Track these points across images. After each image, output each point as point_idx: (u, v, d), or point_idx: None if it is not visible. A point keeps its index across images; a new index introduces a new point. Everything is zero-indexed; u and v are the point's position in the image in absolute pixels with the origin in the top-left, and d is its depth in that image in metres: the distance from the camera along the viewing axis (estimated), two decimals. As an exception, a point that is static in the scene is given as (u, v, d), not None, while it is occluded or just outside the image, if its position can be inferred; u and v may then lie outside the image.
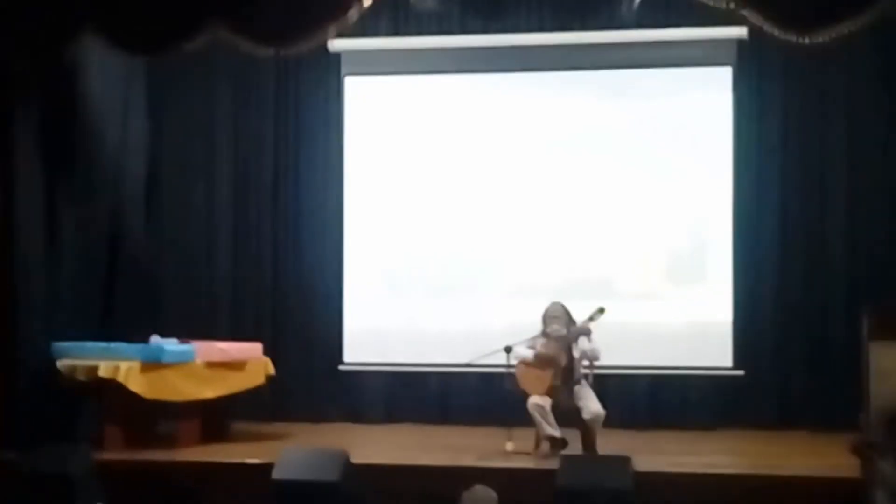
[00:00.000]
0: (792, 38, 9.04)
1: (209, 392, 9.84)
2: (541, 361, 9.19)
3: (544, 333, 9.30)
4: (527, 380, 9.20)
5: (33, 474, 7.99)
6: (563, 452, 8.78)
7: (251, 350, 10.39)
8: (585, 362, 9.28)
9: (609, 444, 9.03)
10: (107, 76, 10.71)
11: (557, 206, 11.34)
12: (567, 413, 9.09)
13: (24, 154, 9.82)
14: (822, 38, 8.91)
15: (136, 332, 9.91)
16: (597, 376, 9.43)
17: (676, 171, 11.23)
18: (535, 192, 11.38)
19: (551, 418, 9.02)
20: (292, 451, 8.68)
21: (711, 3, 9.19)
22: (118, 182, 10.92)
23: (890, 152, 10.86)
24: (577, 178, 11.33)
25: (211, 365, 9.90)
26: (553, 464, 8.26)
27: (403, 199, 11.70)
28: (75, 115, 10.32)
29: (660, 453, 9.33)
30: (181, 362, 9.69)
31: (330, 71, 11.84)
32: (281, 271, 11.84)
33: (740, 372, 10.96)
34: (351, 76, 11.85)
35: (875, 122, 10.90)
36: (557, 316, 9.31)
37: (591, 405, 9.04)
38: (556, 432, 9.01)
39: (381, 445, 10.18)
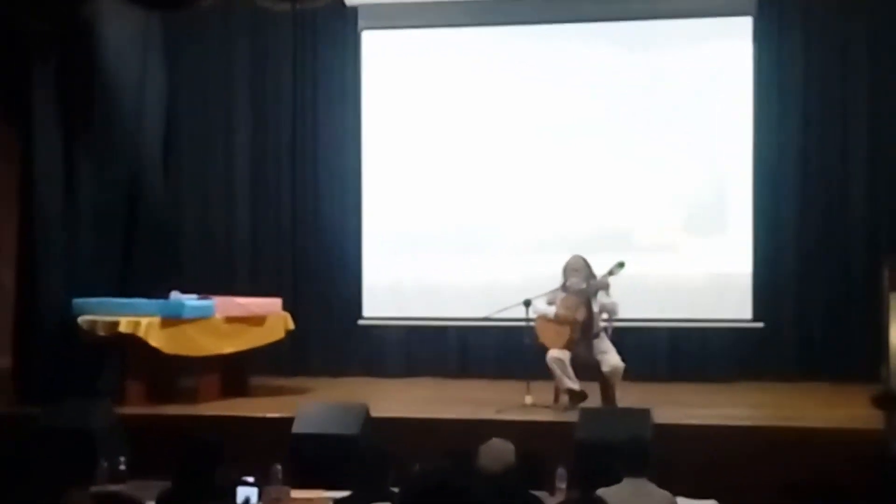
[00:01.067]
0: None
1: (229, 347, 9.88)
2: (560, 315, 9.18)
3: (564, 287, 9.28)
4: (546, 333, 9.20)
5: (56, 429, 8.05)
6: (583, 405, 8.79)
7: (271, 305, 10.41)
8: (605, 315, 9.26)
9: (628, 396, 9.04)
10: (124, 35, 10.68)
11: (576, 158, 11.29)
12: (586, 366, 9.09)
13: (43, 114, 9.83)
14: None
15: (156, 289, 9.94)
16: (616, 329, 9.42)
17: (696, 122, 11.16)
18: (554, 145, 11.33)
19: (570, 371, 9.02)
20: (312, 405, 8.73)
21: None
22: (137, 140, 10.91)
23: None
24: (596, 130, 11.28)
25: (230, 320, 9.93)
26: (572, 417, 8.29)
27: (421, 153, 11.67)
28: (93, 74, 10.30)
29: (679, 405, 9.33)
30: (201, 317, 9.72)
31: (347, 25, 11.80)
32: (300, 227, 11.85)
33: (760, 324, 10.94)
34: (368, 30, 11.81)
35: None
36: (577, 269, 9.29)
37: (610, 358, 9.04)
38: (575, 385, 9.01)
39: (400, 399, 10.22)
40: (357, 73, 11.77)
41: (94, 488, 6.69)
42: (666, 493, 6.14)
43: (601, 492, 6.13)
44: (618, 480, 6.15)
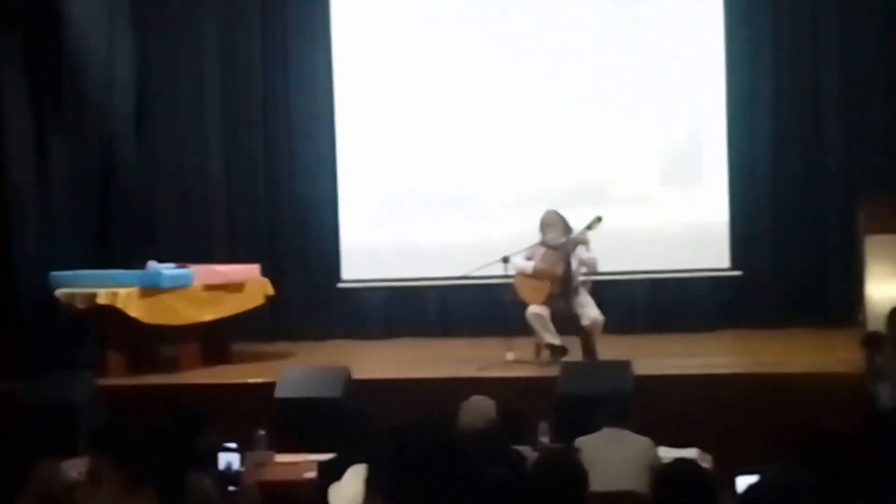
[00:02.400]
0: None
1: (208, 314, 9.86)
2: (538, 271, 9.18)
3: (542, 242, 9.28)
4: (525, 289, 9.21)
5: (37, 403, 8.04)
6: (564, 360, 8.83)
7: (249, 271, 10.39)
8: (583, 270, 9.27)
9: (609, 349, 9.07)
10: (91, 5, 10.57)
11: (551, 113, 11.24)
12: (566, 321, 9.11)
13: (11, 85, 9.76)
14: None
15: (133, 259, 9.91)
16: (595, 283, 9.44)
17: (668, 73, 11.12)
18: (528, 100, 11.27)
19: (551, 326, 9.04)
20: (293, 369, 8.74)
21: None
22: (108, 111, 10.83)
23: (883, 45, 10.75)
24: (570, 83, 11.22)
25: (209, 288, 9.91)
26: (554, 371, 8.33)
27: (396, 113, 11.59)
28: (60, 46, 10.21)
29: (660, 356, 9.39)
30: (179, 286, 9.70)
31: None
32: (275, 192, 11.79)
33: (738, 272, 10.97)
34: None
35: (867, 14, 10.78)
36: (553, 223, 9.28)
37: (589, 312, 9.06)
38: (555, 340, 9.04)
39: (381, 361, 10.24)
40: (328, 33, 11.68)
41: (76, 461, 6.70)
42: (645, 439, 6.19)
43: (580, 440, 6.18)
44: (598, 428, 6.20)
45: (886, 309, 7.96)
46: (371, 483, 2.74)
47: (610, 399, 6.50)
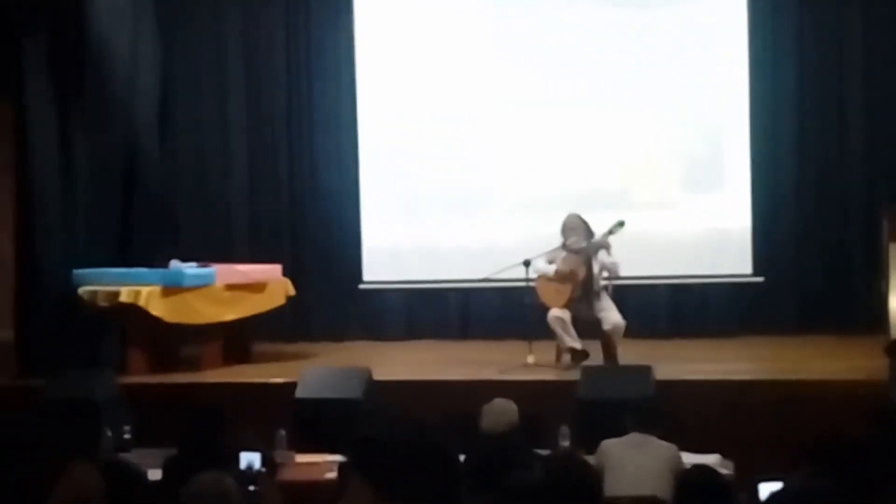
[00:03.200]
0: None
1: (230, 314, 9.89)
2: (560, 275, 9.18)
3: (563, 246, 9.28)
4: (546, 293, 9.21)
5: (59, 400, 8.05)
6: (585, 364, 8.81)
7: (271, 271, 10.41)
8: (605, 274, 9.26)
9: (630, 354, 9.06)
10: (115, 2, 10.60)
11: (572, 115, 11.23)
12: (587, 325, 9.11)
13: (36, 85, 9.79)
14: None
15: (155, 258, 9.95)
16: (616, 287, 9.43)
17: (691, 77, 11.09)
18: (550, 102, 11.26)
19: (572, 330, 9.04)
20: (314, 370, 8.76)
21: None
22: (131, 109, 10.85)
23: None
24: (591, 86, 11.20)
25: (231, 287, 9.94)
26: (574, 375, 8.32)
27: (418, 114, 11.59)
28: (84, 43, 10.23)
29: (681, 361, 9.37)
30: (202, 285, 9.74)
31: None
32: (298, 192, 11.82)
33: (760, 278, 10.93)
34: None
35: (892, 17, 10.73)
36: (575, 227, 9.29)
37: (611, 316, 9.05)
38: (576, 344, 9.03)
39: (402, 362, 10.25)
40: (351, 34, 11.69)
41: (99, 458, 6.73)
42: (670, 445, 6.19)
43: (605, 443, 6.19)
44: (621, 435, 6.20)
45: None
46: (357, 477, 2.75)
47: (638, 404, 6.50)
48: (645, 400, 6.64)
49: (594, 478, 3.46)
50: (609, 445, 6.19)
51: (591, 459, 6.10)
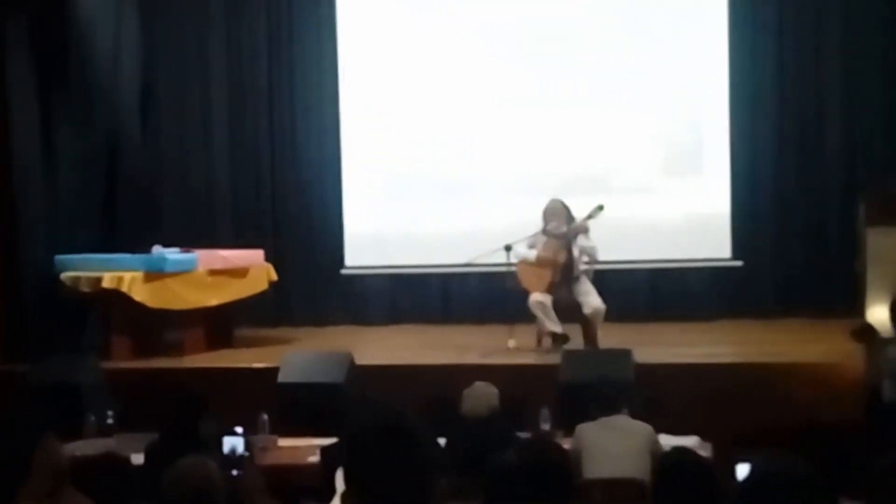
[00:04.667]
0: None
1: (213, 299, 9.91)
2: (541, 259, 9.23)
3: (544, 231, 9.32)
4: (527, 277, 9.25)
5: (43, 385, 8.09)
6: (565, 348, 8.87)
7: (253, 257, 10.44)
8: (585, 258, 9.31)
9: (610, 337, 9.11)
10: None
11: (553, 102, 11.27)
12: (568, 309, 9.15)
13: (17, 70, 9.77)
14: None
15: (138, 244, 9.95)
16: (596, 271, 9.48)
17: (671, 62, 11.14)
18: (532, 89, 11.30)
19: (552, 314, 9.09)
20: (297, 354, 8.78)
21: None
22: (114, 95, 10.85)
23: (886, 36, 10.77)
24: (573, 73, 11.25)
25: (213, 273, 9.96)
26: (555, 359, 8.36)
27: (399, 99, 11.62)
28: (67, 30, 10.22)
29: (661, 345, 9.42)
30: (184, 271, 9.75)
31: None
32: (280, 177, 11.84)
33: (739, 262, 11.00)
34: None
35: (871, 5, 10.79)
36: (557, 213, 9.33)
37: (591, 300, 9.10)
38: (557, 328, 9.08)
39: (384, 347, 10.28)
40: (333, 17, 11.70)
41: (81, 443, 6.76)
42: (644, 426, 6.23)
43: (580, 427, 6.24)
44: (594, 418, 6.25)
45: (887, 301, 8.01)
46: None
47: (611, 387, 6.54)
48: (610, 383, 6.65)
49: (567, 461, 3.49)
50: (585, 429, 6.23)
51: (568, 443, 6.19)
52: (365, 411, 2.76)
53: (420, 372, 8.60)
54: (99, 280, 9.44)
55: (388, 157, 11.66)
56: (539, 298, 9.09)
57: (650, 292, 11.22)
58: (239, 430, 6.21)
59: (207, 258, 9.98)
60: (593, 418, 6.26)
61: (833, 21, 10.87)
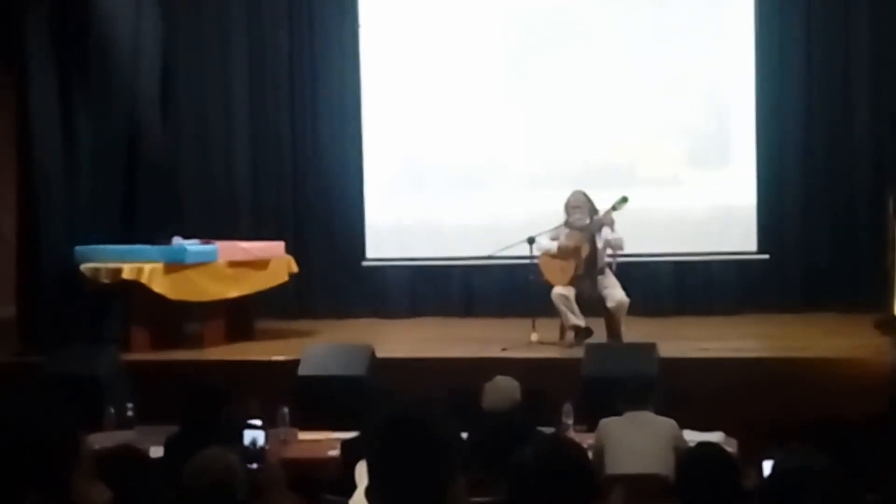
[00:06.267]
0: None
1: (233, 291, 9.87)
2: (564, 252, 9.15)
3: (567, 223, 9.25)
4: (550, 270, 9.18)
5: (62, 377, 8.06)
6: (588, 341, 8.80)
7: (274, 248, 10.40)
8: (609, 251, 9.23)
9: (634, 331, 9.03)
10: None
11: (578, 91, 11.18)
12: (591, 302, 9.07)
13: (38, 60, 9.75)
14: None
15: (158, 235, 9.92)
16: (620, 264, 9.39)
17: (697, 51, 11.04)
18: (555, 78, 11.22)
19: (575, 308, 9.01)
20: (317, 347, 8.75)
21: None
22: (134, 85, 10.81)
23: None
24: (596, 62, 11.15)
25: (234, 264, 9.92)
26: (578, 353, 8.30)
27: (421, 89, 11.55)
28: (87, 18, 10.19)
29: (685, 339, 9.33)
30: (204, 262, 9.71)
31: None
32: (301, 169, 11.79)
33: (765, 255, 10.89)
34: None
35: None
36: (579, 205, 9.25)
37: (615, 293, 9.02)
38: (580, 321, 9.00)
39: (405, 340, 10.23)
40: (355, 10, 11.65)
41: (101, 435, 6.72)
42: (668, 421, 6.16)
43: (604, 422, 6.17)
44: (620, 413, 6.18)
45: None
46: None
47: (628, 382, 6.48)
48: (638, 377, 6.59)
49: (585, 458, 3.44)
50: (608, 424, 6.17)
51: (591, 438, 6.12)
52: (389, 404, 2.72)
53: (441, 365, 8.54)
54: (119, 271, 9.41)
55: (410, 149, 11.60)
56: (562, 291, 9.01)
57: (675, 285, 11.12)
58: (258, 422, 6.16)
59: (228, 250, 9.94)
60: (619, 413, 6.19)
61: (861, 9, 10.72)
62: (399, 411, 2.66)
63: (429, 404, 2.68)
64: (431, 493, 2.59)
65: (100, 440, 6.28)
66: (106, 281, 9.49)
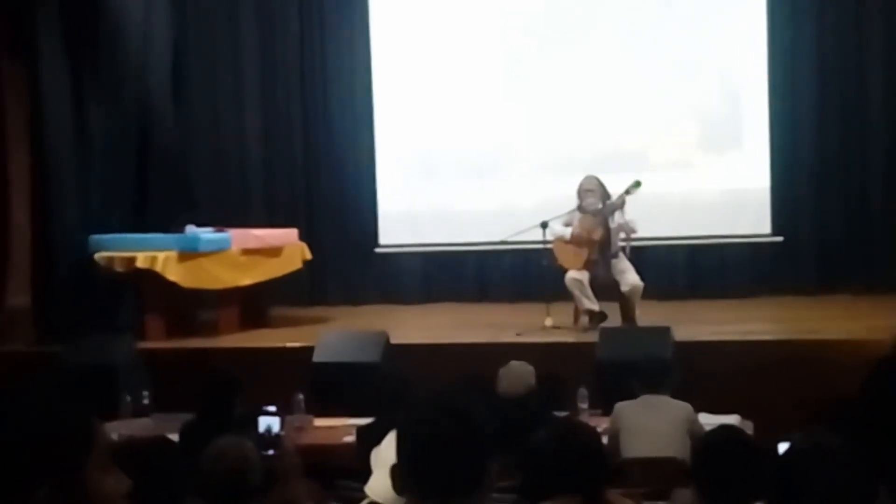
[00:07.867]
0: None
1: (247, 279, 9.88)
2: (577, 236, 9.14)
3: (580, 208, 9.23)
4: (564, 255, 9.17)
5: (78, 366, 8.09)
6: (603, 325, 8.78)
7: (287, 236, 10.40)
8: (622, 235, 9.21)
9: (648, 315, 9.02)
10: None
11: (589, 76, 11.14)
12: (605, 286, 9.06)
13: (49, 50, 9.75)
14: None
15: (171, 223, 9.93)
16: (634, 248, 9.38)
17: (709, 35, 10.98)
18: (566, 63, 11.18)
19: (589, 292, 8.99)
20: (332, 334, 8.75)
21: None
22: (145, 73, 10.80)
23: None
24: (608, 47, 11.11)
25: (247, 252, 9.93)
26: (593, 337, 8.30)
27: (432, 75, 11.53)
28: (97, 6, 10.18)
29: (699, 322, 9.32)
30: (218, 250, 9.73)
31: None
32: (313, 155, 11.78)
33: (779, 238, 10.85)
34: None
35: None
36: (592, 189, 9.23)
37: (629, 277, 9.00)
38: (594, 306, 8.99)
39: (419, 326, 10.23)
40: (365, -1, 11.64)
41: (117, 423, 6.74)
42: (684, 404, 6.16)
43: (619, 406, 6.17)
44: (635, 397, 6.18)
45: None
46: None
47: (645, 366, 6.47)
48: (653, 361, 6.59)
49: (599, 443, 3.45)
50: (623, 407, 6.16)
51: (606, 421, 6.12)
52: (424, 392, 2.73)
53: (456, 351, 8.55)
54: (133, 260, 9.42)
55: (422, 135, 11.57)
56: (576, 276, 9.00)
57: (689, 269, 11.09)
58: (273, 409, 6.17)
59: (241, 237, 9.95)
60: (634, 397, 6.19)
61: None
62: (442, 400, 2.67)
63: (460, 392, 2.70)
64: (471, 480, 2.59)
65: (116, 428, 6.29)
66: (120, 269, 9.51)
